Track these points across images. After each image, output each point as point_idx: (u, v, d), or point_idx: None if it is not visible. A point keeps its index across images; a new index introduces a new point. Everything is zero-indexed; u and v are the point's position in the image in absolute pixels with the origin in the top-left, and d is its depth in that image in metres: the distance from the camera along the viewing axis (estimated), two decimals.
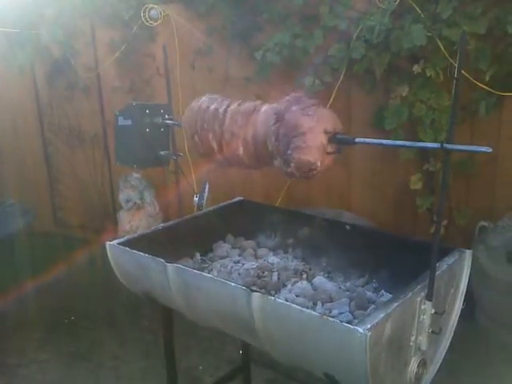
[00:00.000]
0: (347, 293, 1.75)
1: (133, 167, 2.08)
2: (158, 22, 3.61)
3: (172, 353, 1.96)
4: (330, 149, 1.47)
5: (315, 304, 1.66)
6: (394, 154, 3.26)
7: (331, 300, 1.66)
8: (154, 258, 1.65)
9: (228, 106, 1.64)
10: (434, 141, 3.08)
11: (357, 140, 1.44)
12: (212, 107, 1.67)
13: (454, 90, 1.25)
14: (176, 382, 1.99)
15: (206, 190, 2.26)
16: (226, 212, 2.26)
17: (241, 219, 2.26)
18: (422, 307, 1.36)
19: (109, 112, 4.25)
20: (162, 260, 1.62)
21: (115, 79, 4.11)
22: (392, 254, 1.82)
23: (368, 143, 1.46)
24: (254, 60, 3.34)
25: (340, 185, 3.52)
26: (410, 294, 1.32)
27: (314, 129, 1.43)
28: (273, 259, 2.03)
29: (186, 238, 2.09)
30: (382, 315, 1.19)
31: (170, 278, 1.61)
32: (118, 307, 3.49)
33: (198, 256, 2.08)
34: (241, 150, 1.61)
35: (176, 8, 3.67)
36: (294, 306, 1.28)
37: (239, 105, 1.62)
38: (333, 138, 1.46)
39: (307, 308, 1.60)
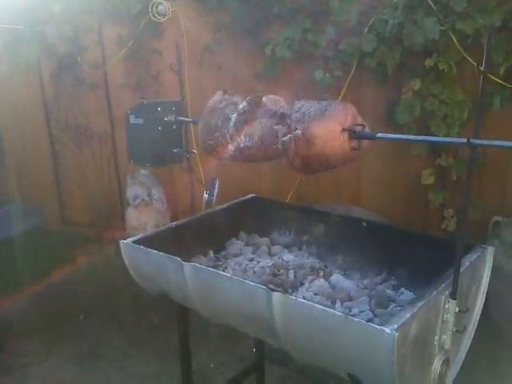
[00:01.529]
0: (366, 291, 1.72)
1: (146, 166, 2.05)
2: (166, 17, 3.57)
3: (188, 352, 1.94)
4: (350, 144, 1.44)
5: (334, 303, 1.64)
6: (405, 148, 3.22)
7: (350, 298, 1.64)
8: (171, 257, 1.62)
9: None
10: (447, 135, 3.05)
11: (378, 135, 1.41)
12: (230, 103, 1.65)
13: (480, 85, 1.22)
14: (191, 381, 1.97)
15: (216, 186, 2.23)
16: (238, 209, 2.23)
17: (253, 216, 2.24)
18: (446, 306, 1.33)
19: (116, 109, 4.22)
20: (179, 259, 1.60)
21: (122, 76, 4.08)
22: (410, 251, 1.79)
23: (390, 138, 1.43)
24: (263, 56, 3.31)
25: (350, 180, 3.49)
26: (435, 292, 1.29)
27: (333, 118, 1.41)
28: (288, 257, 2.00)
29: (198, 235, 2.06)
30: (408, 315, 1.16)
31: (187, 276, 1.59)
32: (127, 305, 3.48)
33: (211, 254, 2.06)
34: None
35: (184, 3, 3.63)
36: (317, 305, 1.25)
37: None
38: (353, 133, 1.43)
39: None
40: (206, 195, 2.20)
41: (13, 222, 4.58)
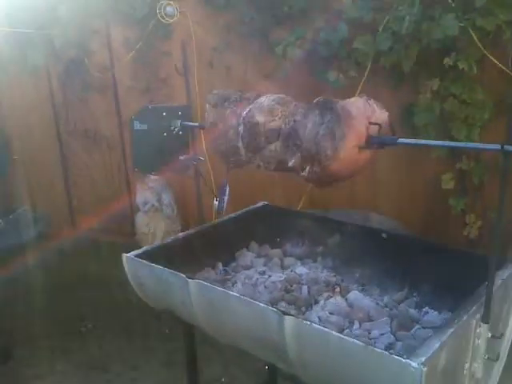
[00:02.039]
0: (386, 309, 1.60)
1: (151, 174, 1.95)
2: (174, 18, 3.47)
3: (195, 370, 1.83)
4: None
5: (351, 323, 1.51)
6: (423, 151, 3.08)
7: (369, 318, 1.52)
8: (175, 273, 1.52)
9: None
10: (467, 138, 2.90)
11: (400, 141, 1.29)
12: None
13: None
14: None
15: (227, 193, 2.12)
16: (248, 218, 2.12)
17: (265, 225, 2.12)
18: (478, 330, 1.20)
19: (125, 113, 4.13)
20: (183, 275, 1.49)
21: (131, 79, 3.99)
22: (434, 265, 1.67)
23: (412, 144, 1.31)
24: (273, 56, 3.19)
25: (365, 184, 3.35)
26: (465, 316, 1.16)
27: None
28: (301, 270, 1.89)
29: (207, 246, 1.96)
30: (436, 345, 1.04)
31: (192, 294, 1.48)
32: (136, 314, 3.36)
33: (220, 266, 1.95)
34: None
35: (192, 4, 3.53)
36: (333, 332, 1.13)
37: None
38: (371, 138, 1.32)
39: (343, 328, 1.47)
40: (216, 202, 2.09)
41: (22, 228, 4.53)
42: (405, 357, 0.99)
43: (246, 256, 2.01)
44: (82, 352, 3.07)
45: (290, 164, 1.40)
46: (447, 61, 2.81)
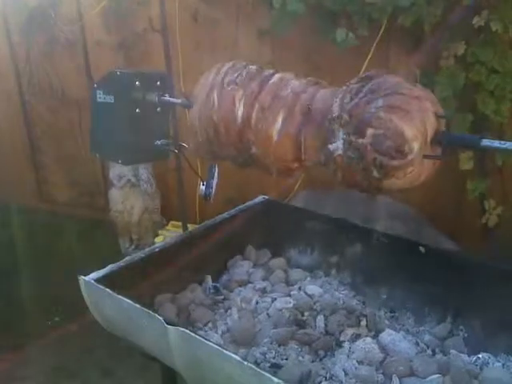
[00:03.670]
0: (429, 354, 1.22)
1: (117, 162, 1.50)
2: None
3: None
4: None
5: (389, 378, 1.13)
6: None
7: (412, 372, 1.13)
8: (150, 314, 1.09)
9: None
10: (497, 112, 2.51)
11: (484, 143, 0.87)
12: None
13: None
14: None
15: (215, 176, 1.69)
16: (244, 216, 1.69)
17: (264, 226, 1.70)
18: None
19: (95, 72, 3.62)
20: (161, 319, 1.06)
21: (102, 33, 3.46)
22: (486, 290, 1.28)
23: (498, 148, 0.89)
24: (270, 9, 2.70)
25: None
26: None
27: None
28: (312, 289, 1.48)
29: (192, 254, 1.53)
30: None
31: (174, 345, 1.06)
32: None
33: (209, 282, 1.53)
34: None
35: None
36: None
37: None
38: (440, 135, 0.90)
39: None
40: (202, 187, 1.66)
41: None
42: None
43: (241, 266, 1.59)
44: (48, 353, 2.66)
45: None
46: (477, 20, 2.38)
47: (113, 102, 1.44)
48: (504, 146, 0.87)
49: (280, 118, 1.04)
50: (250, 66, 1.10)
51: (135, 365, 2.52)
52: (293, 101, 1.04)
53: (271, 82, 1.05)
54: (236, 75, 1.08)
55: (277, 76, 1.06)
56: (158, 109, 1.45)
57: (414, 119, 0.89)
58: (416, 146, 0.89)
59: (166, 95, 1.41)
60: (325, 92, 1.03)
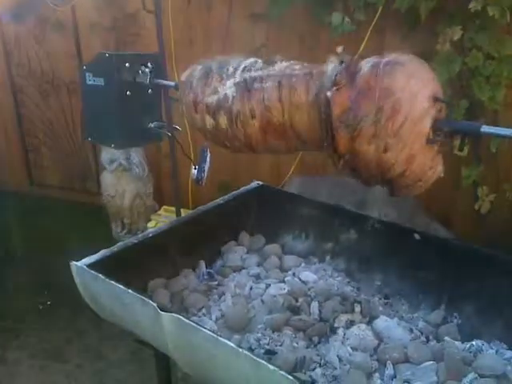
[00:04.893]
0: (422, 339, 1.21)
1: (110, 147, 1.47)
2: None
3: None
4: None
5: (383, 364, 1.12)
6: None
7: (407, 358, 1.12)
8: (143, 300, 1.08)
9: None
10: (492, 98, 2.50)
11: (484, 129, 0.85)
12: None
13: None
14: None
15: (207, 160, 1.67)
16: (237, 202, 1.68)
17: (258, 211, 1.68)
18: None
19: (87, 54, 3.55)
20: (154, 305, 1.05)
21: (93, 14, 3.39)
22: (481, 276, 1.28)
23: (498, 135, 0.87)
24: None
25: None
26: None
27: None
28: (307, 275, 1.47)
29: (185, 239, 1.52)
30: None
31: (167, 331, 1.05)
32: None
33: (203, 267, 1.52)
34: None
35: None
36: None
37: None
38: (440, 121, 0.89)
39: (371, 372, 1.08)
40: (194, 171, 1.64)
41: None
42: None
43: (236, 252, 1.58)
44: (38, 337, 2.65)
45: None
46: (474, 5, 2.35)
47: (103, 84, 1.42)
48: (503, 133, 0.86)
49: None
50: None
51: (127, 348, 2.52)
52: None
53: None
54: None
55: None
56: (150, 90, 1.42)
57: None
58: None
59: (159, 78, 1.38)
60: None
